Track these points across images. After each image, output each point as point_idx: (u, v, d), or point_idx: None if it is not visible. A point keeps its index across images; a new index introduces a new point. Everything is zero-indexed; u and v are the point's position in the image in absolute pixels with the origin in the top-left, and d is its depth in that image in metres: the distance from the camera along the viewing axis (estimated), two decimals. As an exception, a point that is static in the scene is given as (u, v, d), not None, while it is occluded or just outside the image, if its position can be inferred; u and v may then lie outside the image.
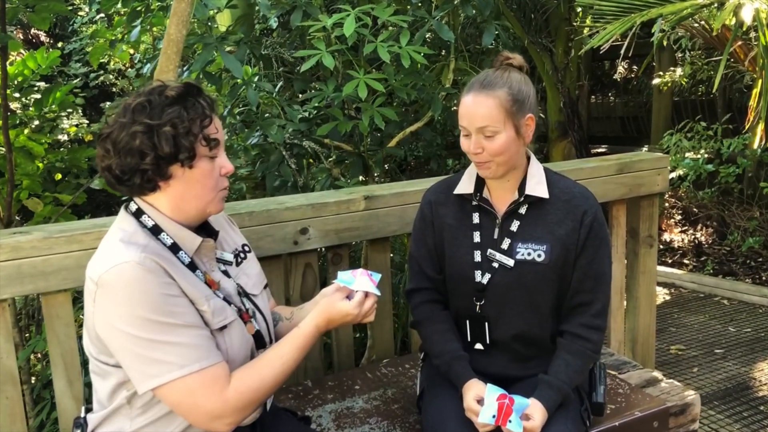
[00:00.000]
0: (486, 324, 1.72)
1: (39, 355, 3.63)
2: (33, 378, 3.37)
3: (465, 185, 1.76)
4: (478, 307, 1.72)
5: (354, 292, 1.47)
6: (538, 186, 1.70)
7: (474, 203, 1.75)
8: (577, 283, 1.69)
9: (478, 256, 1.72)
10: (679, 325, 4.25)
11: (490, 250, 1.71)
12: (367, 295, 1.48)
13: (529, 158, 1.73)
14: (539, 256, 1.67)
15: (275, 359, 1.40)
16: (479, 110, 1.60)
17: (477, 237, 1.73)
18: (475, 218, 1.74)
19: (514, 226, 1.70)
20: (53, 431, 2.64)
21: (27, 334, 3.55)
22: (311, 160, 3.39)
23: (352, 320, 1.47)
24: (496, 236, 1.72)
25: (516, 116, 1.61)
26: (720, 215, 5.69)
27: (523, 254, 1.68)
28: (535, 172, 1.71)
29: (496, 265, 1.70)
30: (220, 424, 1.34)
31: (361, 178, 3.16)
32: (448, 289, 1.80)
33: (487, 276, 1.70)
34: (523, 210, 1.71)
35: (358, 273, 1.49)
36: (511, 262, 1.68)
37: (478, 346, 1.75)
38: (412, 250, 1.85)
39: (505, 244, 1.70)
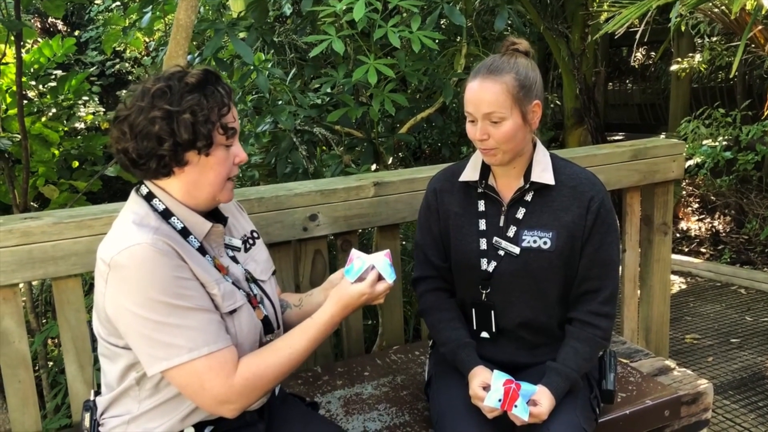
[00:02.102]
0: (492, 312, 1.71)
1: (57, 341, 3.68)
2: (50, 363, 3.41)
3: (470, 172, 1.74)
4: (484, 295, 1.71)
5: (369, 269, 1.44)
6: (544, 173, 1.68)
7: (479, 191, 1.73)
8: (584, 271, 1.67)
9: (483, 244, 1.70)
10: (695, 314, 4.21)
11: (495, 238, 1.69)
12: (380, 277, 1.45)
13: (535, 144, 1.71)
14: (545, 243, 1.65)
15: (285, 348, 1.40)
16: (485, 96, 1.57)
17: (482, 225, 1.71)
18: (481, 206, 1.73)
19: (520, 213, 1.69)
20: (68, 414, 2.68)
21: (45, 320, 3.60)
22: (323, 147, 3.39)
23: (366, 300, 1.45)
24: (501, 224, 1.70)
25: (523, 102, 1.58)
26: (738, 203, 5.61)
27: (528, 242, 1.66)
28: (540, 158, 1.69)
29: (501, 252, 1.68)
30: (225, 409, 1.35)
31: (374, 166, 3.14)
32: (454, 278, 1.79)
33: (493, 264, 1.69)
34: (528, 197, 1.69)
35: (370, 257, 1.46)
36: (516, 250, 1.67)
37: (484, 334, 1.74)
38: (418, 238, 1.84)
39: (511, 231, 1.68)
